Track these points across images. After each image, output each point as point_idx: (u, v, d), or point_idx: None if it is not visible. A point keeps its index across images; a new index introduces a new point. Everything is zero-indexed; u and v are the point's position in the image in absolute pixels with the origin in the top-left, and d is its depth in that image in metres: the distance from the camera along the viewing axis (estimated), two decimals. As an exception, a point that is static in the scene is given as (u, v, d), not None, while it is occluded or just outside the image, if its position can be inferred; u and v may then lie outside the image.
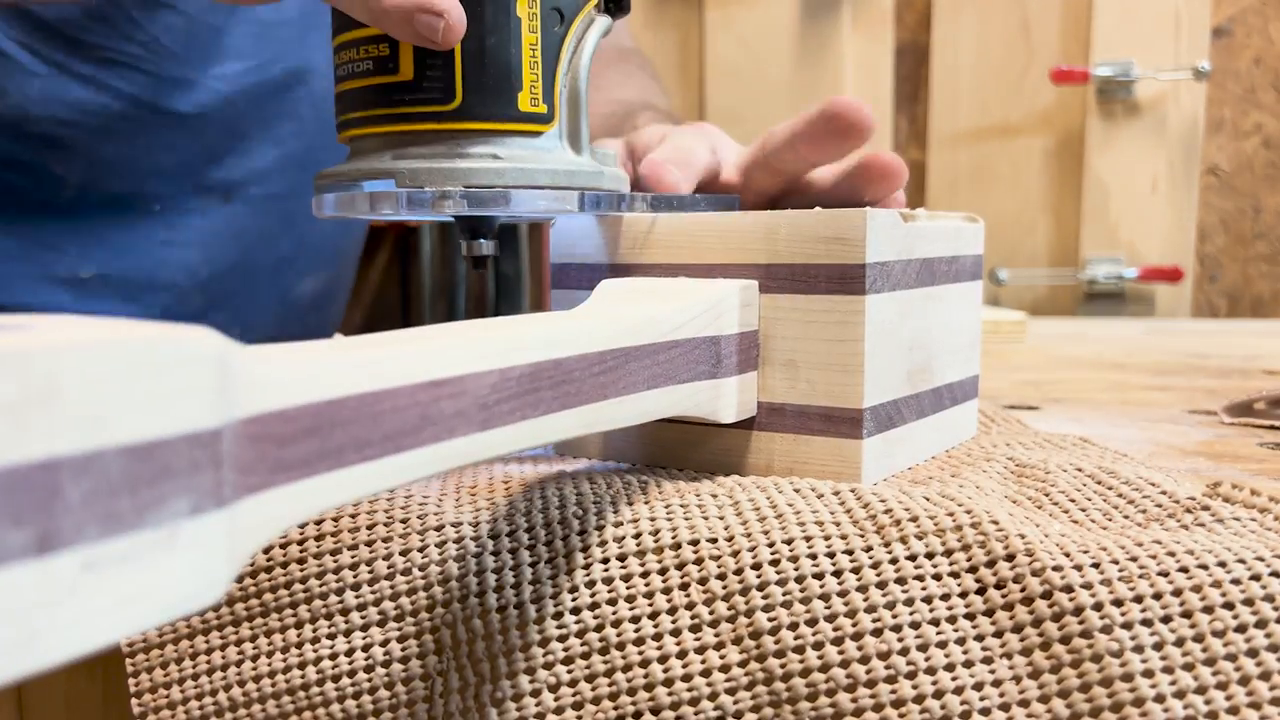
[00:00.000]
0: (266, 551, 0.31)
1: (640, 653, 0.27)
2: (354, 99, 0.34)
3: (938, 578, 0.26)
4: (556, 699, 0.27)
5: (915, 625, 0.25)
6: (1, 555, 0.12)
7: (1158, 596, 0.24)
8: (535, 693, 0.27)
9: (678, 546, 0.28)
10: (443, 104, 0.33)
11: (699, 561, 0.28)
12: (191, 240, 0.64)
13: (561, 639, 0.28)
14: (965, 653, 0.25)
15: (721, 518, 0.29)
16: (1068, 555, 0.25)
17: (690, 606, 0.27)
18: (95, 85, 0.58)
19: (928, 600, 0.26)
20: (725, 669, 0.26)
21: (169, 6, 0.58)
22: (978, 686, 0.24)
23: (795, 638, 0.26)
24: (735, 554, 0.27)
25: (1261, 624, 0.24)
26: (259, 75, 0.63)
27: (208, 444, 0.15)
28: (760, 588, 0.27)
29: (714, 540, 0.28)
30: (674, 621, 0.27)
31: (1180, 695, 0.23)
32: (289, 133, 0.65)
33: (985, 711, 0.24)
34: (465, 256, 0.35)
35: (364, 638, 0.29)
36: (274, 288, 0.69)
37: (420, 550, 0.30)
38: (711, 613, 0.27)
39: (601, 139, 0.59)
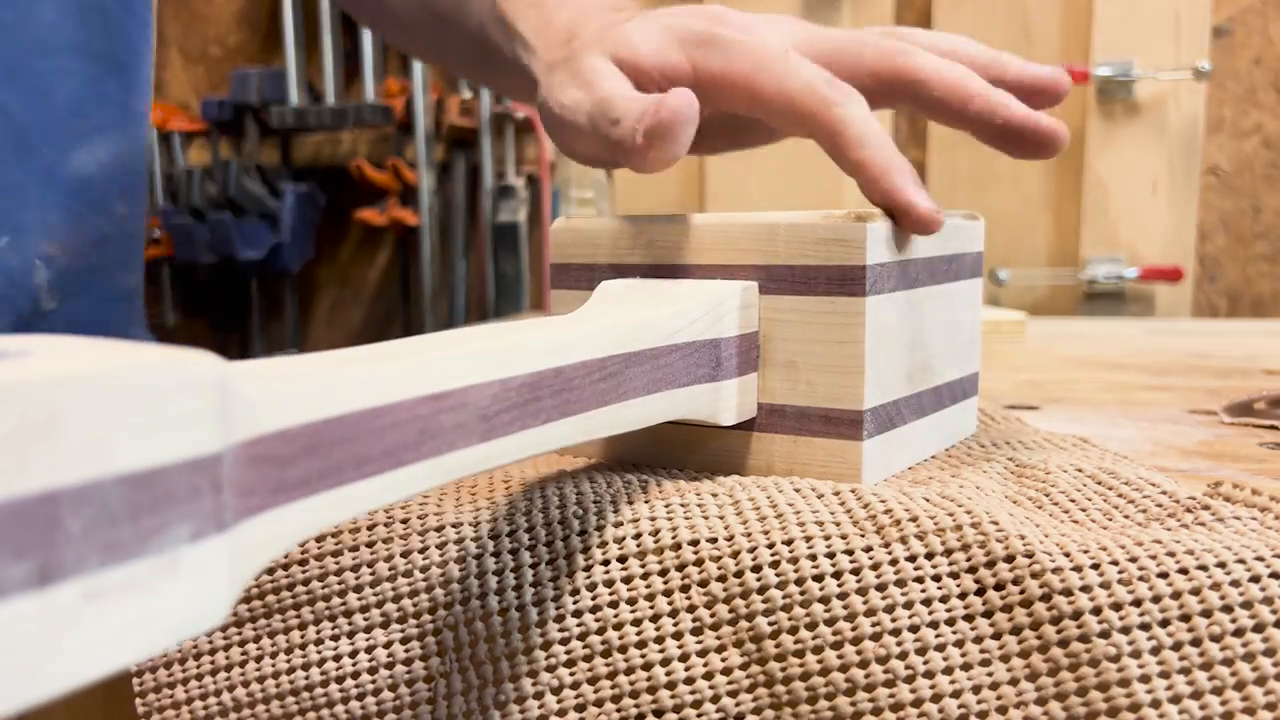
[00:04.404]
0: (269, 553, 0.31)
1: (642, 655, 0.27)
2: None
3: (937, 579, 0.26)
4: (559, 701, 0.27)
5: (914, 629, 0.25)
6: (3, 588, 0.12)
7: (1156, 600, 0.24)
8: (538, 695, 0.27)
9: (678, 547, 0.28)
10: None
11: (699, 562, 0.28)
12: None
13: (564, 641, 0.28)
14: (964, 655, 0.25)
15: (722, 517, 0.29)
16: (1068, 556, 0.25)
17: (691, 609, 0.27)
18: None
19: (927, 603, 0.26)
20: (727, 672, 0.26)
21: None
22: (975, 690, 0.24)
23: (795, 641, 0.26)
24: (735, 555, 0.27)
25: (1259, 628, 0.24)
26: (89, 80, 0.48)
27: (208, 469, 0.15)
28: (761, 590, 0.27)
29: (714, 540, 0.28)
30: (675, 624, 0.27)
31: (1176, 700, 0.23)
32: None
33: (983, 715, 0.24)
34: None
35: (367, 639, 0.30)
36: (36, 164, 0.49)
37: (421, 552, 0.30)
38: (713, 615, 0.27)
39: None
